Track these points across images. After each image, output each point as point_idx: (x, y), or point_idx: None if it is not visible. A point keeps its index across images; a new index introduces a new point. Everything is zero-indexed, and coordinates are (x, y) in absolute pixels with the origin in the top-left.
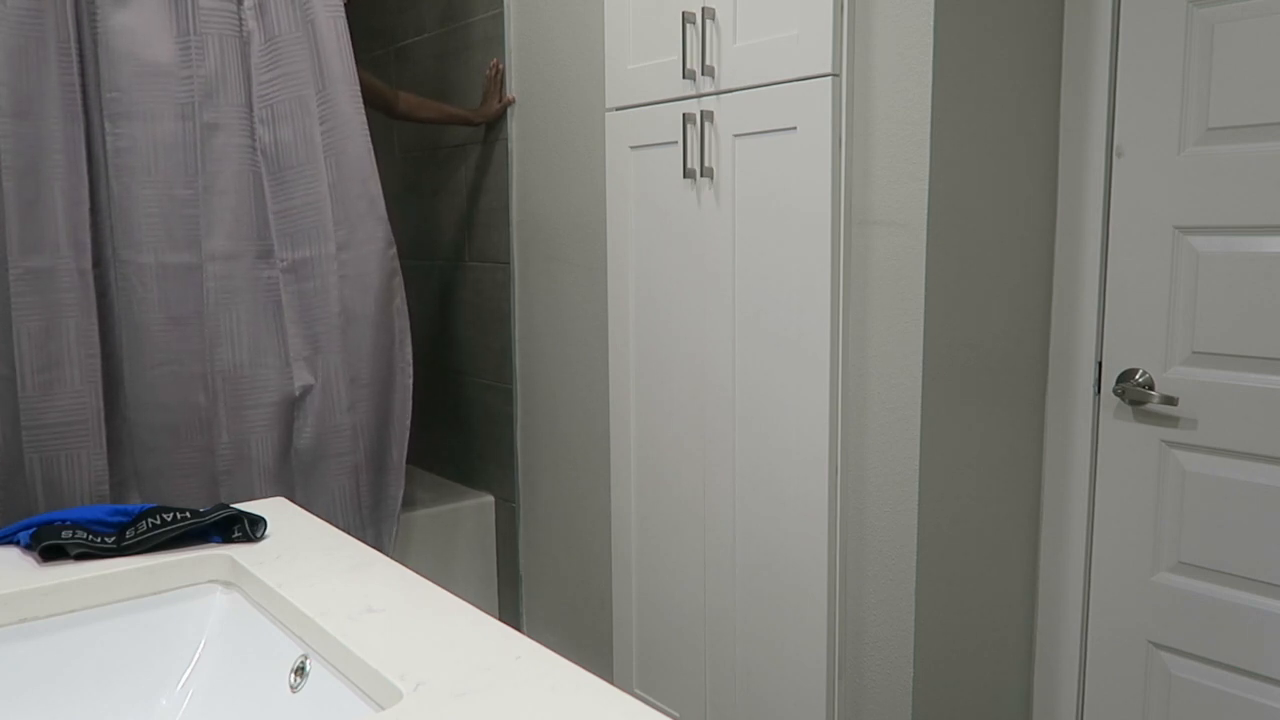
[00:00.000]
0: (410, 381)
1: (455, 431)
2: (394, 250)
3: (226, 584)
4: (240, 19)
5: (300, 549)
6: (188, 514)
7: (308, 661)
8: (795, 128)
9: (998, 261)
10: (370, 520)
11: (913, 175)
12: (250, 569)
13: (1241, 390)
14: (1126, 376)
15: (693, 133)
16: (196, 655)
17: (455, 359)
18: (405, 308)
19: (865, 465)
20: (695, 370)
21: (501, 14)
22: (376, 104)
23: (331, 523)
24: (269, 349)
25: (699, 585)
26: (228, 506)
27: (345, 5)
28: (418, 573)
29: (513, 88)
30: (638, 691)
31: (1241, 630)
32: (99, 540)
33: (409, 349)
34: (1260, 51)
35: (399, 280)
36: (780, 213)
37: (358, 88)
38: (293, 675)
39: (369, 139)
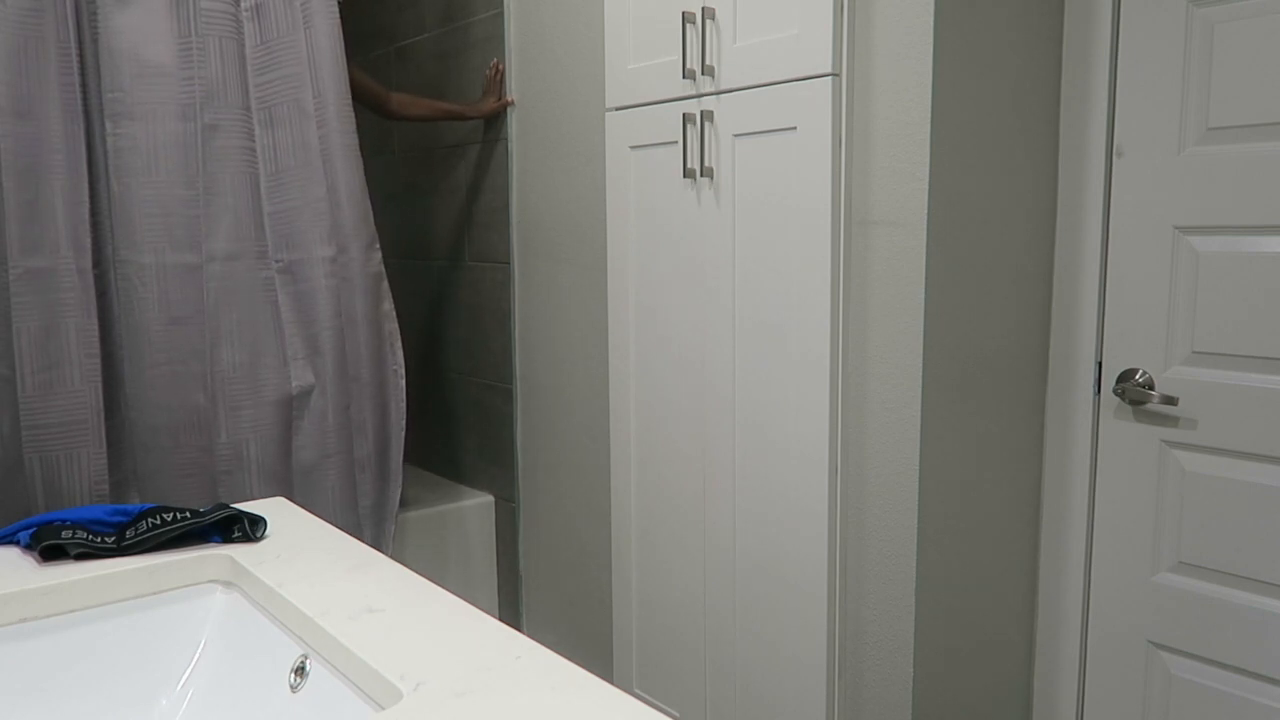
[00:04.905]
0: (403, 382)
1: (455, 431)
2: (379, 254)
3: (226, 584)
4: (239, 21)
5: (300, 549)
6: (188, 514)
7: (308, 661)
8: (795, 127)
9: (998, 261)
10: (369, 520)
11: (913, 175)
12: (250, 569)
13: (1241, 390)
14: (1126, 376)
15: (693, 133)
16: (196, 655)
17: (455, 359)
18: (393, 310)
19: (865, 465)
20: (695, 370)
21: (501, 14)
22: (368, 103)
23: (330, 523)
24: (268, 349)
25: (699, 585)
26: (228, 506)
27: (340, 7)
28: (417, 573)
29: (513, 88)
30: (638, 691)
31: (1241, 630)
32: (99, 540)
33: (399, 350)
34: (1260, 51)
35: (385, 284)
36: (780, 212)
37: (349, 94)
38: (293, 675)
39: (356, 143)
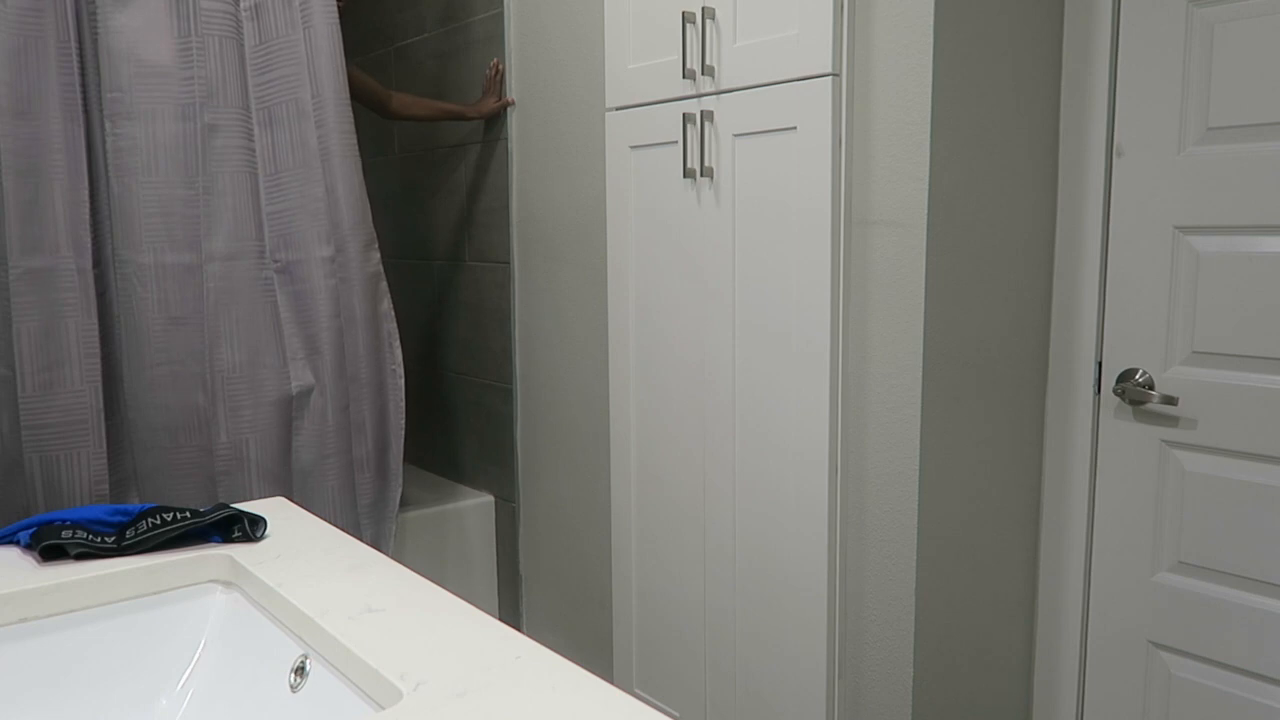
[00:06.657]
0: (401, 382)
1: (455, 431)
2: (377, 254)
3: (226, 584)
4: (238, 20)
5: (300, 549)
6: (188, 514)
7: (308, 661)
8: (795, 127)
9: (998, 261)
10: (369, 520)
11: (913, 175)
12: (250, 569)
13: (1241, 390)
14: (1126, 376)
15: (693, 132)
16: (196, 655)
17: (455, 359)
18: (391, 310)
19: (865, 465)
20: (695, 370)
21: (501, 14)
22: (370, 103)
23: (330, 522)
24: (267, 349)
25: (699, 585)
26: (228, 506)
27: (340, 8)
28: (417, 573)
29: (513, 88)
30: (638, 691)
31: (1241, 630)
32: (99, 540)
33: (398, 350)
34: (1260, 51)
35: (384, 284)
36: (780, 212)
37: (347, 94)
38: (293, 675)
39: (355, 143)
